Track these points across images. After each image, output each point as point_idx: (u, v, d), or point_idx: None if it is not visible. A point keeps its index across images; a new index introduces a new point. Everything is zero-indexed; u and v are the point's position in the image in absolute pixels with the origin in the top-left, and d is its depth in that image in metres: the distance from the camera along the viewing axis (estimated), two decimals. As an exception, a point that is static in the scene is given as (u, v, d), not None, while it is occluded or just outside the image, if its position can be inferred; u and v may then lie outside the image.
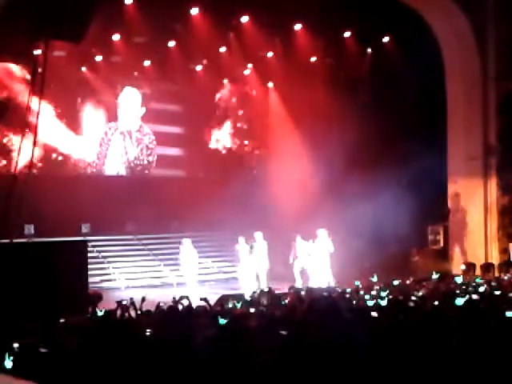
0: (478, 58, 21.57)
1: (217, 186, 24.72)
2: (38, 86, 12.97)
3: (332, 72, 24.95)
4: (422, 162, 20.01)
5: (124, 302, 11.14)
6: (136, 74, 25.20)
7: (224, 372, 6.50)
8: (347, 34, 24.01)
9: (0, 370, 6.92)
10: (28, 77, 21.72)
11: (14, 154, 19.79)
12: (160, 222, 24.59)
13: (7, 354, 7.15)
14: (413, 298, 11.77)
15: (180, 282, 21.56)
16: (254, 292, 13.64)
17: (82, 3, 12.07)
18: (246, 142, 27.87)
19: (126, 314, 10.74)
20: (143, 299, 11.51)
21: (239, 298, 12.73)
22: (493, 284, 14.38)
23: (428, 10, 21.65)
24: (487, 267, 20.52)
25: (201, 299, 11.40)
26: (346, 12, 21.19)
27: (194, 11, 21.63)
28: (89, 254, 15.78)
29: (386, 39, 24.18)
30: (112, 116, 26.01)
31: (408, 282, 16.29)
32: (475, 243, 21.81)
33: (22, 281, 12.66)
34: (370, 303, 11.29)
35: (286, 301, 12.23)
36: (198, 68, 25.91)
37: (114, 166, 26.22)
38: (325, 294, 12.47)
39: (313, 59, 25.06)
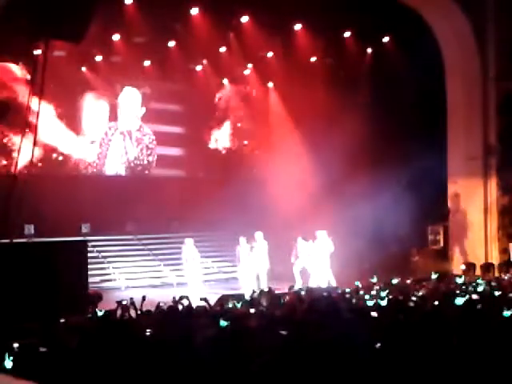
0: (478, 57, 21.58)
1: (217, 186, 24.72)
2: (38, 86, 12.97)
3: (332, 72, 24.95)
4: (422, 162, 20.01)
5: (124, 302, 11.15)
6: (136, 74, 25.18)
7: (224, 372, 6.51)
8: (347, 34, 24.01)
9: (0, 370, 6.92)
10: (28, 77, 21.71)
11: (15, 154, 19.78)
12: (160, 222, 24.59)
13: (7, 354, 7.15)
14: (413, 298, 11.78)
15: (180, 282, 21.56)
16: (253, 292, 13.63)
17: (82, 3, 12.08)
18: (246, 142, 27.85)
19: (126, 314, 10.74)
20: (144, 299, 11.52)
21: (239, 297, 12.73)
22: (493, 284, 14.39)
23: (428, 10, 21.66)
24: (487, 267, 20.53)
25: (201, 299, 11.41)
26: (346, 12, 21.18)
27: (194, 11, 21.63)
28: (89, 254, 15.78)
29: (386, 39, 24.18)
30: (112, 116, 26.01)
31: (408, 281, 16.31)
32: (475, 243, 21.81)
33: (22, 281, 12.67)
34: (370, 303, 11.30)
35: (286, 299, 12.25)
36: (198, 68, 25.90)
37: (114, 166, 26.22)
38: (325, 294, 12.48)
39: (313, 59, 25.06)
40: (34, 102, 13.89)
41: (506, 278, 17.18)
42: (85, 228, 23.54)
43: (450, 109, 22.25)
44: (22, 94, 21.73)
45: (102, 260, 22.72)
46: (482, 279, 16.18)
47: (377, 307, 10.58)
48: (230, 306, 11.71)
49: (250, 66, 25.95)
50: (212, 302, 11.89)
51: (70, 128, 24.61)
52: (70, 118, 24.61)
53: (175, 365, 6.77)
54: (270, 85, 26.69)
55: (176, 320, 9.50)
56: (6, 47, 19.39)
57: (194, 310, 10.43)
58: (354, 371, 6.53)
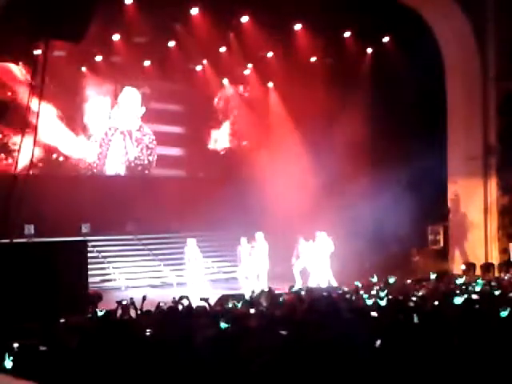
0: (478, 57, 21.57)
1: (217, 186, 24.73)
2: (38, 86, 12.97)
3: (332, 72, 24.93)
4: (422, 162, 20.02)
5: (124, 302, 11.15)
6: (136, 74, 25.18)
7: (224, 372, 6.51)
8: (347, 34, 23.99)
9: (0, 370, 6.92)
10: (28, 77, 21.71)
11: (15, 154, 19.77)
12: (160, 222, 24.58)
13: (7, 354, 7.15)
14: (413, 298, 11.78)
15: (180, 282, 21.57)
16: (253, 292, 13.64)
17: (82, 3, 12.08)
18: (246, 142, 27.84)
19: (126, 314, 10.74)
20: (144, 298, 11.52)
21: (239, 297, 12.74)
22: (493, 284, 14.39)
23: (428, 9, 21.65)
24: (487, 267, 20.52)
25: (201, 299, 11.42)
26: (346, 12, 21.17)
27: (194, 11, 21.61)
28: (89, 254, 15.78)
29: (386, 39, 24.16)
30: (112, 116, 26.00)
31: (408, 281, 16.31)
32: (475, 243, 21.80)
33: (22, 281, 12.67)
34: (370, 302, 11.30)
35: (284, 298, 12.26)
36: (198, 68, 25.89)
37: (115, 166, 26.22)
38: (325, 294, 12.48)
39: (313, 59, 25.05)
40: (34, 102, 13.89)
41: (506, 277, 17.18)
42: (85, 228, 23.54)
43: (449, 109, 22.24)
44: (22, 93, 21.73)
45: (102, 260, 22.72)
46: (482, 279, 16.19)
47: (377, 307, 10.59)
48: (230, 306, 11.71)
49: (250, 65, 25.94)
50: (212, 301, 11.89)
51: (70, 128, 24.61)
52: (70, 118, 24.61)
53: (175, 365, 6.77)
54: (270, 85, 26.68)
55: (176, 320, 9.50)
56: (6, 47, 19.37)
57: (194, 310, 10.44)
58: (354, 371, 6.53)
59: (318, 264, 19.53)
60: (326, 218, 20.40)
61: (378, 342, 7.19)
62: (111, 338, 7.79)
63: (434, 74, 22.12)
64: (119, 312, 10.94)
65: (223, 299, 13.01)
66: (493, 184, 21.65)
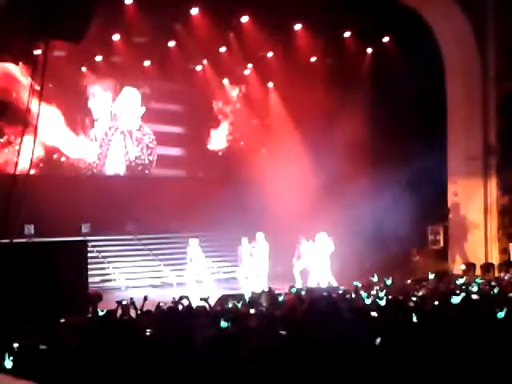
0: (478, 57, 21.57)
1: (217, 186, 24.74)
2: (38, 86, 12.96)
3: (332, 72, 24.93)
4: (422, 162, 20.02)
5: (124, 302, 11.15)
6: (136, 74, 25.18)
7: (224, 372, 6.51)
8: (347, 34, 23.99)
9: (0, 370, 6.92)
10: (28, 77, 21.70)
11: (15, 154, 19.76)
12: (160, 222, 24.58)
13: (7, 354, 7.15)
14: (413, 298, 11.78)
15: (180, 282, 21.57)
16: (253, 292, 13.64)
17: (82, 3, 12.08)
18: (245, 143, 27.82)
19: (126, 314, 10.75)
20: (145, 298, 11.52)
21: (239, 297, 12.74)
22: (493, 284, 14.39)
23: (428, 9, 21.65)
24: (487, 267, 20.52)
25: (201, 299, 11.41)
26: (346, 12, 21.17)
27: (194, 11, 21.61)
28: (89, 254, 15.77)
29: (386, 39, 24.17)
30: (112, 116, 26.00)
31: (408, 281, 16.31)
32: (475, 243, 21.80)
33: (22, 281, 12.65)
34: (369, 302, 11.30)
35: (284, 298, 12.26)
36: (198, 68, 25.90)
37: (115, 166, 26.22)
38: (325, 294, 12.48)
39: (313, 59, 25.05)
40: (34, 102, 13.88)
41: (505, 277, 17.18)
42: (85, 228, 23.54)
43: (449, 109, 22.24)
44: (22, 94, 21.72)
45: (102, 260, 22.72)
46: (482, 279, 16.19)
47: (377, 307, 10.59)
48: (230, 306, 11.71)
49: (250, 65, 25.95)
50: (212, 301, 11.89)
51: (70, 128, 24.61)
52: (70, 118, 24.61)
53: (175, 365, 6.77)
54: (270, 85, 26.68)
55: (176, 320, 9.50)
56: (6, 47, 19.35)
57: (194, 310, 10.44)
58: (354, 371, 6.53)
59: (318, 264, 19.53)
60: (326, 217, 20.40)
61: (378, 340, 7.19)
62: (111, 338, 7.78)
63: (434, 74, 22.12)
64: (119, 312, 10.94)
65: (223, 299, 13.01)
66: (493, 184, 21.65)
